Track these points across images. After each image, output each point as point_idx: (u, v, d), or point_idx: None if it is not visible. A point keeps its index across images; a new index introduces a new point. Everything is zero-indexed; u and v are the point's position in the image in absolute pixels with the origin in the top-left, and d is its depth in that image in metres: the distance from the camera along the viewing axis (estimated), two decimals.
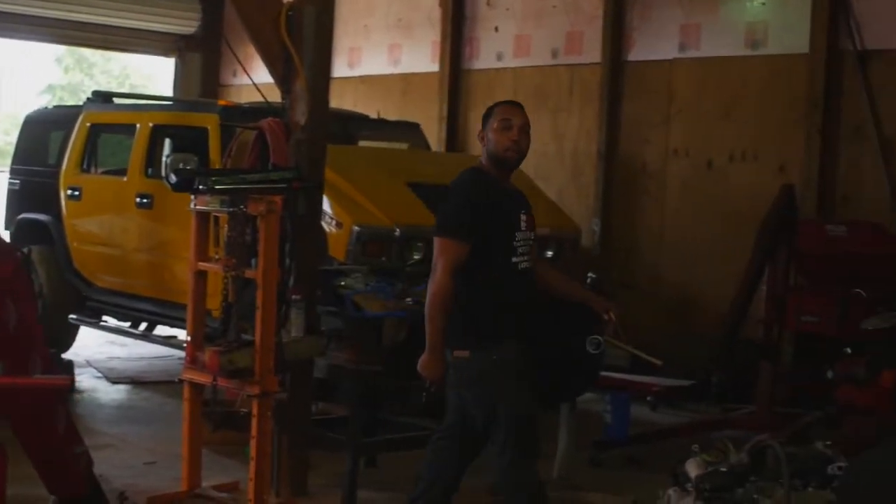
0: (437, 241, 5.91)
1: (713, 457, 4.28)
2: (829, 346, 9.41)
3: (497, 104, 6.17)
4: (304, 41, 6.68)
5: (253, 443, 6.45)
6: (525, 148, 6.02)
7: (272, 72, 6.84)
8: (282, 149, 6.62)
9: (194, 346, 6.77)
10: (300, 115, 6.73)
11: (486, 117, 6.09)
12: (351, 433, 7.34)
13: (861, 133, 10.80)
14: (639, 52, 12.53)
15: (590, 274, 7.49)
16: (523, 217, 5.99)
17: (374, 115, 12.47)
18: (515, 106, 6.15)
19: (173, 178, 6.56)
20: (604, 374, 8.67)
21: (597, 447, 8.62)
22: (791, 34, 11.25)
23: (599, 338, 7.15)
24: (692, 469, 4.28)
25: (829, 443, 4.28)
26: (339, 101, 14.84)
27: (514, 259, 5.89)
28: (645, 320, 11.14)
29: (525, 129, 6.00)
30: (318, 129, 6.80)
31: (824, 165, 10.94)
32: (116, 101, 12.18)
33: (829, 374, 8.70)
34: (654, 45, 12.38)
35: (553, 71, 13.35)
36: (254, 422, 6.43)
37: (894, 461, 1.73)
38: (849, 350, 8.93)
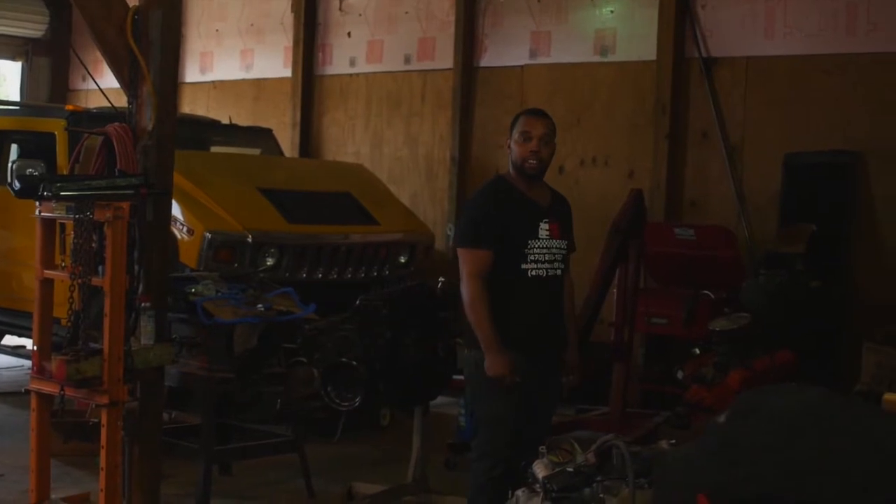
0: (458, 252, 6.19)
1: (560, 457, 4.32)
2: (678, 347, 9.61)
3: (520, 114, 6.34)
4: (150, 45, 6.57)
5: (102, 453, 6.34)
6: (546, 157, 6.16)
7: (118, 76, 6.72)
8: (129, 154, 6.51)
9: (41, 356, 6.62)
10: (147, 121, 6.61)
11: (511, 126, 6.26)
12: (204, 441, 7.28)
13: (708, 139, 11.04)
14: (491, 58, 12.65)
15: (440, 279, 7.51)
16: (544, 225, 6.13)
17: (226, 121, 12.36)
18: (537, 116, 6.27)
19: (17, 184, 6.43)
20: (458, 377, 8.73)
21: (451, 450, 8.66)
22: (639, 41, 11.46)
23: (451, 342, 7.23)
24: (539, 470, 4.31)
25: (673, 442, 4.35)
26: (192, 106, 14.75)
27: (524, 266, 6.07)
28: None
29: (545, 138, 6.13)
30: (166, 135, 6.69)
31: (672, 170, 11.16)
32: None
33: (679, 375, 8.88)
34: (505, 51, 12.50)
35: (406, 77, 13.40)
36: (103, 431, 6.32)
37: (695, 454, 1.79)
38: (697, 351, 9.12)
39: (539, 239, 6.12)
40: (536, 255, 6.11)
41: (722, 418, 2.15)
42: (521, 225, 6.13)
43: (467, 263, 6.08)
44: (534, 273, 6.10)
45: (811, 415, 1.82)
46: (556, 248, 6.17)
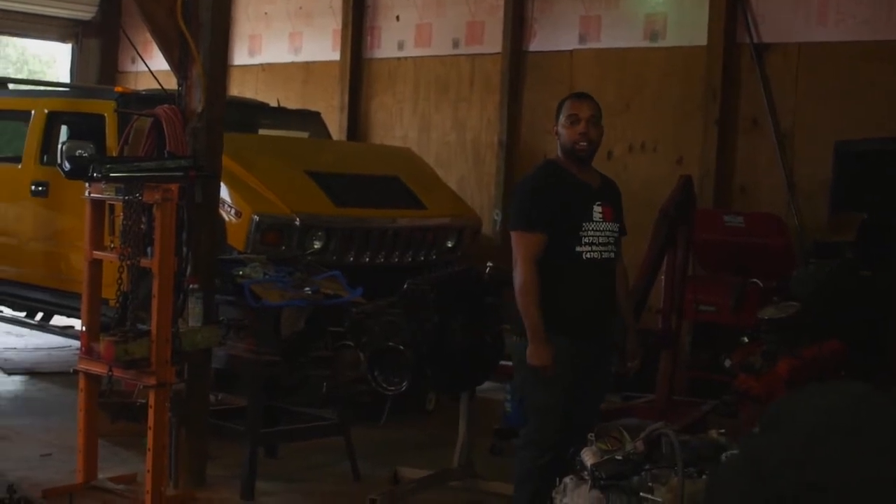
0: (511, 236, 6.21)
1: (608, 445, 4.30)
2: (726, 335, 9.54)
3: (566, 98, 6.35)
4: (200, 27, 6.60)
5: (150, 434, 6.38)
6: (596, 138, 6.17)
7: (168, 58, 6.76)
8: (178, 137, 6.54)
9: (90, 336, 6.68)
10: (197, 103, 6.65)
11: (557, 112, 6.27)
12: (250, 423, 7.30)
13: (758, 125, 10.94)
14: (539, 42, 12.58)
15: (489, 263, 7.49)
16: (598, 208, 6.12)
17: (274, 104, 12.37)
18: (583, 99, 6.29)
19: (67, 165, 6.47)
20: (503, 363, 8.71)
21: (497, 435, 8.64)
22: (689, 27, 11.37)
23: (498, 327, 7.21)
24: (588, 457, 4.29)
25: (723, 431, 4.31)
26: (240, 89, 14.78)
27: (578, 249, 6.05)
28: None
29: (593, 119, 6.14)
30: (216, 117, 6.73)
31: (722, 157, 11.07)
32: (11, 86, 11.97)
33: (727, 363, 8.81)
34: (554, 36, 12.44)
35: (454, 61, 13.36)
36: (150, 412, 6.36)
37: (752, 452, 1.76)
38: (745, 339, 9.04)
39: (593, 221, 6.10)
40: (591, 238, 6.09)
41: (756, 429, 2.12)
42: (576, 207, 6.11)
43: (521, 247, 6.06)
44: (588, 256, 6.08)
45: (835, 422, 1.78)
46: (609, 230, 6.15)
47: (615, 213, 6.20)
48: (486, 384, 8.14)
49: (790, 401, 1.85)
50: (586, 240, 6.08)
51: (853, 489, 1.73)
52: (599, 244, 6.10)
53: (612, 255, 6.17)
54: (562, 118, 6.19)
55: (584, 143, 6.12)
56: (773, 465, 1.79)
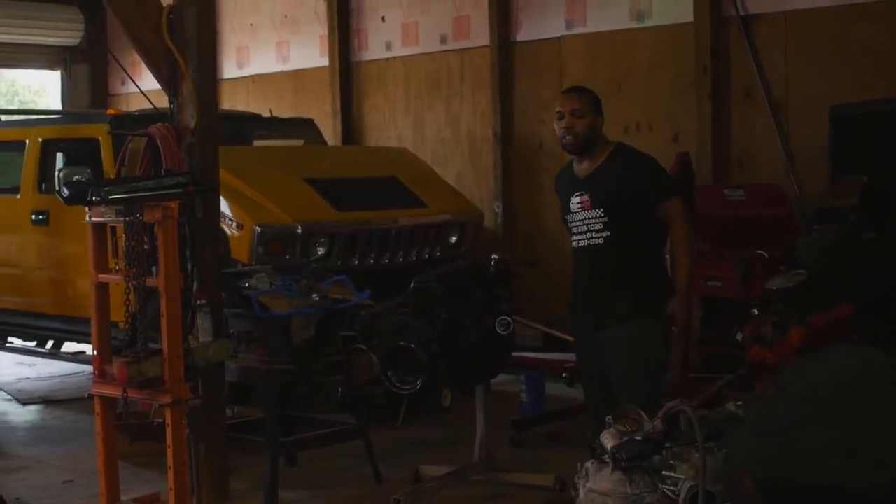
0: None
1: (627, 426, 4.30)
2: (735, 309, 9.53)
3: (560, 95, 6.69)
4: (187, 43, 6.60)
5: (169, 452, 6.38)
6: (581, 130, 6.32)
7: (158, 76, 6.75)
8: (174, 153, 6.54)
9: (102, 360, 6.67)
10: (189, 119, 6.65)
11: None
12: (268, 433, 7.31)
13: (751, 97, 10.93)
14: (527, 32, 12.59)
15: (493, 255, 7.49)
16: (576, 199, 6.34)
17: (266, 114, 12.38)
18: (568, 93, 6.61)
19: (65, 191, 6.46)
20: (517, 353, 8.71)
21: (515, 427, 8.65)
22: (675, 4, 11.36)
23: (508, 318, 7.22)
24: (607, 440, 4.29)
25: (740, 403, 4.31)
26: (231, 102, 14.80)
27: (573, 238, 6.40)
28: (552, 298, 11.20)
29: (576, 112, 6.33)
30: (209, 132, 6.73)
31: (718, 131, 11.07)
32: (4, 118, 11.98)
33: (738, 337, 8.81)
34: (541, 24, 12.44)
35: (443, 57, 13.37)
36: (168, 431, 6.36)
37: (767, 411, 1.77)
38: (755, 311, 9.04)
39: (572, 212, 6.37)
40: (575, 227, 6.38)
41: (767, 391, 2.14)
42: (563, 200, 6.47)
43: None
44: (578, 244, 6.39)
45: (837, 388, 1.78)
46: (589, 219, 6.28)
47: (599, 199, 6.26)
48: (501, 376, 8.14)
49: (798, 365, 1.85)
50: (573, 229, 6.38)
51: (844, 459, 1.74)
52: (581, 233, 6.32)
53: (601, 240, 6.25)
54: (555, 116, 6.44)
55: (570, 137, 6.32)
56: (775, 431, 1.80)
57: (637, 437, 4.27)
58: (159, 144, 6.61)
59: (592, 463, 4.43)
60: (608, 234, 6.24)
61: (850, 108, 10.08)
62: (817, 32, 10.54)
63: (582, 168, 6.39)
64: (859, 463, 1.63)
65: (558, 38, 12.31)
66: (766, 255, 9.56)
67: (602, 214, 6.25)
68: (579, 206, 6.30)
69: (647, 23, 11.64)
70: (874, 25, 10.19)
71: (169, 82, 6.75)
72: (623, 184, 6.28)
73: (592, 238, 6.26)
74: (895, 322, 9.49)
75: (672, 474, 4.15)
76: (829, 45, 10.47)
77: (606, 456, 4.31)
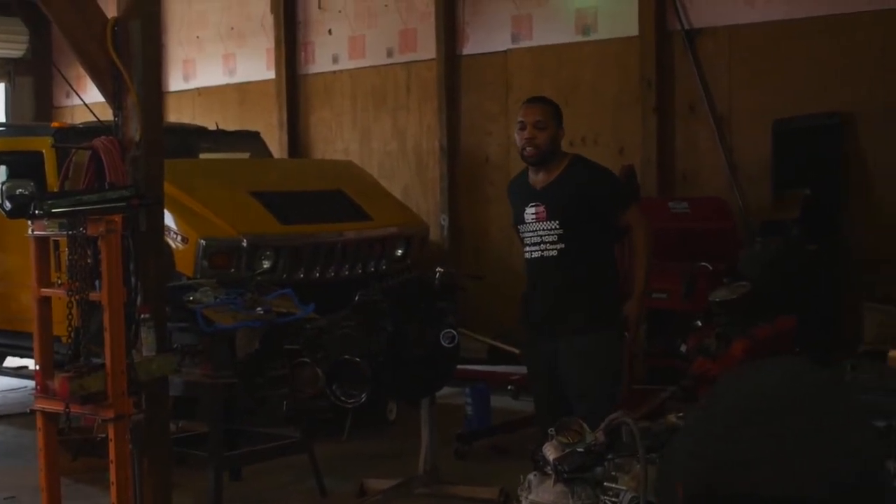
0: None
1: (569, 438, 4.31)
2: (680, 321, 9.59)
3: (522, 103, 6.58)
4: (132, 56, 6.55)
5: (112, 468, 6.33)
6: (542, 142, 6.31)
7: (102, 89, 6.70)
8: (118, 167, 6.49)
9: (44, 375, 6.61)
10: (134, 132, 6.60)
11: None
12: (212, 448, 7.28)
13: (695, 111, 11.02)
14: (473, 45, 12.63)
15: (438, 268, 7.51)
16: (531, 210, 6.33)
17: (212, 127, 12.34)
18: (531, 104, 6.52)
19: (8, 205, 6.44)
20: (462, 366, 8.73)
21: (460, 439, 8.66)
22: (620, 18, 11.44)
23: (453, 331, 7.22)
24: (550, 453, 4.31)
25: (681, 415, 4.34)
26: (178, 114, 14.73)
27: (526, 249, 6.39)
28: (498, 311, 11.24)
29: (539, 124, 6.31)
30: (154, 145, 6.68)
31: (662, 145, 11.15)
32: None
33: (683, 348, 8.87)
34: (487, 37, 12.49)
35: (390, 70, 13.39)
36: (111, 446, 6.31)
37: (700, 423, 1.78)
38: (699, 323, 9.10)
39: (526, 223, 6.35)
40: (528, 238, 6.35)
41: (702, 401, 2.17)
42: (516, 210, 6.43)
43: None
44: (532, 256, 6.36)
45: (766, 401, 1.81)
46: (543, 230, 6.27)
47: (555, 211, 6.26)
48: (446, 389, 8.16)
49: (730, 378, 1.88)
50: (526, 240, 6.36)
51: (775, 471, 1.76)
52: (535, 244, 6.31)
53: (555, 252, 6.24)
54: (516, 125, 6.41)
55: (531, 149, 6.29)
56: (707, 441, 1.83)
57: (579, 449, 4.28)
58: (103, 158, 6.56)
59: (535, 475, 4.44)
60: (562, 246, 6.24)
61: (793, 122, 10.21)
62: (760, 47, 10.65)
63: (538, 179, 6.37)
64: (790, 473, 1.66)
65: (504, 52, 12.36)
66: (710, 268, 9.63)
67: (557, 227, 6.25)
68: (534, 216, 6.29)
69: (593, 36, 11.72)
70: (816, 40, 10.30)
71: (113, 95, 6.70)
72: (581, 196, 6.29)
73: (546, 250, 6.26)
74: (838, 334, 9.59)
75: (614, 486, 4.17)
76: (772, 60, 10.57)
77: (549, 468, 4.32)
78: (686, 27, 11.00)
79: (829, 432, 1.71)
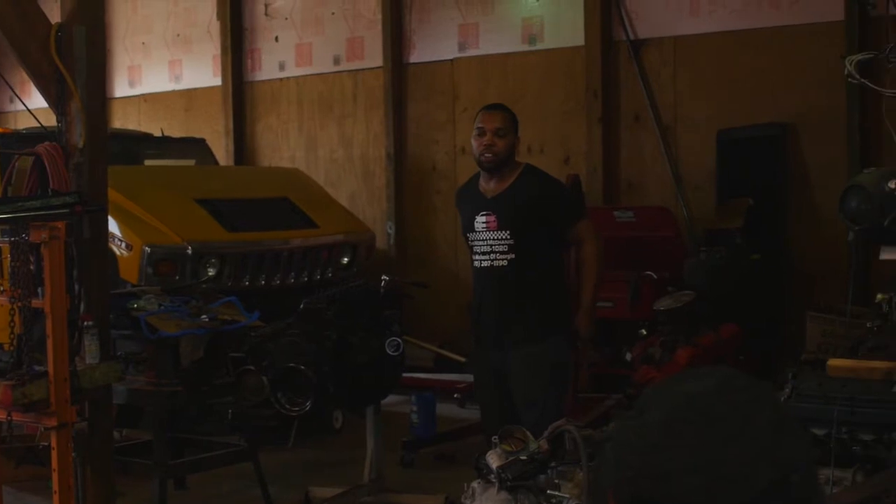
0: None
1: (513, 446, 4.33)
2: (625, 329, 9.65)
3: (480, 110, 6.55)
4: (76, 62, 6.52)
5: (55, 476, 6.29)
6: (501, 149, 6.30)
7: (45, 95, 6.66)
8: (61, 173, 6.45)
9: None
10: (77, 138, 6.56)
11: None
12: (156, 456, 7.23)
13: (641, 120, 11.09)
14: (420, 54, 12.65)
15: (384, 276, 7.51)
16: (481, 218, 6.30)
17: (158, 134, 12.29)
18: (491, 110, 6.50)
19: None
20: (408, 374, 8.73)
21: (406, 447, 8.66)
22: (566, 28, 11.50)
23: (398, 339, 7.22)
24: (493, 460, 4.32)
25: None
26: (123, 121, 14.66)
27: (474, 258, 6.35)
28: (445, 319, 11.26)
29: (499, 131, 6.30)
30: (98, 151, 6.64)
31: (608, 154, 11.22)
32: None
33: (628, 357, 8.93)
34: (434, 46, 12.51)
35: (336, 78, 13.38)
36: (54, 454, 6.26)
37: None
38: (644, 331, 9.16)
39: (475, 231, 6.32)
40: (478, 247, 6.32)
41: (630, 410, 2.19)
42: (466, 218, 6.41)
43: None
44: (481, 265, 6.34)
45: (692, 410, 1.83)
46: (493, 239, 6.24)
47: (506, 220, 6.25)
48: (392, 397, 8.15)
49: (656, 387, 1.91)
50: (476, 249, 6.33)
51: (698, 481, 1.78)
52: (485, 253, 6.29)
53: (506, 262, 6.24)
54: (474, 130, 6.38)
55: (489, 155, 6.29)
56: (628, 450, 1.84)
57: (522, 457, 4.30)
58: (46, 164, 6.52)
59: (479, 483, 4.46)
60: (512, 256, 6.24)
61: (736, 133, 10.30)
62: (705, 57, 10.73)
63: (489, 188, 6.36)
64: (715, 481, 1.68)
65: (451, 61, 12.39)
66: (655, 277, 9.70)
67: (508, 237, 6.24)
68: (484, 226, 6.28)
69: (539, 46, 11.77)
70: (759, 51, 10.40)
71: (57, 101, 6.66)
72: (532, 206, 6.29)
73: (496, 259, 6.25)
74: (780, 342, 9.67)
75: (557, 493, 4.20)
76: (716, 70, 10.67)
77: (492, 476, 4.34)
78: (631, 37, 11.07)
79: (755, 440, 1.73)
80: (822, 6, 10.01)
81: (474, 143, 6.36)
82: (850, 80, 7.39)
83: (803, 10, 10.17)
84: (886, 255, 4.99)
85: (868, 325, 8.06)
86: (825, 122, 10.01)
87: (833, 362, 5.21)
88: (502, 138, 6.28)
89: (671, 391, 1.93)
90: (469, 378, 10.49)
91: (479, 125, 6.34)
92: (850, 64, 7.09)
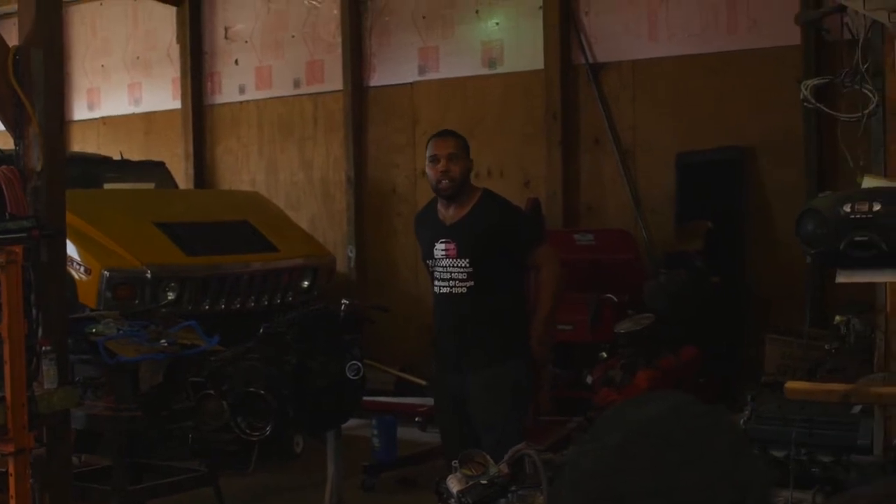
0: None
1: (473, 470, 4.31)
2: (585, 352, 9.67)
3: (430, 138, 6.48)
4: (33, 85, 6.49)
5: (12, 502, 6.24)
6: (457, 174, 6.27)
7: (3, 118, 6.62)
8: (18, 197, 6.41)
9: None
10: (35, 161, 6.53)
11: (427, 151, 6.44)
12: (116, 482, 7.18)
13: (600, 144, 11.14)
14: (380, 77, 12.67)
15: (343, 300, 7.50)
16: (440, 246, 6.28)
17: (117, 157, 12.24)
18: (442, 137, 6.45)
19: None
20: (369, 398, 8.71)
21: (367, 472, 8.63)
22: (526, 52, 11.55)
23: (358, 363, 7.21)
24: (453, 484, 4.30)
25: None
26: (82, 144, 14.60)
27: (435, 284, 6.34)
28: (406, 342, 11.25)
29: (453, 157, 6.28)
30: (56, 175, 6.61)
31: (567, 177, 11.26)
32: None
33: (588, 380, 8.94)
34: (394, 69, 12.53)
35: (297, 101, 13.38)
36: (11, 481, 6.22)
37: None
38: (604, 354, 9.18)
39: (435, 258, 6.31)
40: (438, 274, 6.31)
41: (586, 436, 2.20)
42: (425, 245, 6.39)
43: None
44: (441, 291, 6.33)
45: (645, 433, 1.85)
46: (453, 267, 6.23)
47: (465, 248, 6.22)
48: (353, 421, 8.12)
49: (613, 411, 1.91)
50: (436, 275, 6.32)
51: (654, 499, 1.79)
52: (445, 280, 6.28)
53: (464, 289, 6.23)
54: (427, 159, 6.36)
55: (446, 182, 6.25)
56: (586, 474, 1.86)
57: (482, 481, 4.28)
58: (3, 188, 6.49)
59: None
60: (472, 283, 6.21)
61: (694, 156, 10.37)
62: (663, 81, 10.80)
63: (448, 214, 6.33)
64: (676, 503, 1.69)
65: (411, 84, 12.41)
66: (615, 299, 9.73)
67: (467, 265, 6.22)
68: (444, 253, 6.26)
69: (499, 69, 11.81)
70: (717, 75, 10.47)
71: (14, 124, 6.63)
72: (492, 234, 6.26)
73: (455, 286, 6.23)
74: (740, 365, 9.72)
75: None
76: (674, 94, 10.74)
77: (453, 500, 4.32)
78: (591, 61, 11.12)
79: (710, 464, 1.74)
80: (779, 31, 10.10)
81: (430, 172, 6.32)
82: (805, 104, 7.45)
83: (761, 35, 10.25)
84: (842, 278, 5.02)
85: (826, 348, 8.13)
86: (783, 146, 10.09)
87: (791, 385, 5.22)
88: (457, 164, 6.25)
89: (627, 415, 1.94)
90: (430, 401, 10.49)
91: (432, 153, 6.30)
92: (806, 88, 7.15)
